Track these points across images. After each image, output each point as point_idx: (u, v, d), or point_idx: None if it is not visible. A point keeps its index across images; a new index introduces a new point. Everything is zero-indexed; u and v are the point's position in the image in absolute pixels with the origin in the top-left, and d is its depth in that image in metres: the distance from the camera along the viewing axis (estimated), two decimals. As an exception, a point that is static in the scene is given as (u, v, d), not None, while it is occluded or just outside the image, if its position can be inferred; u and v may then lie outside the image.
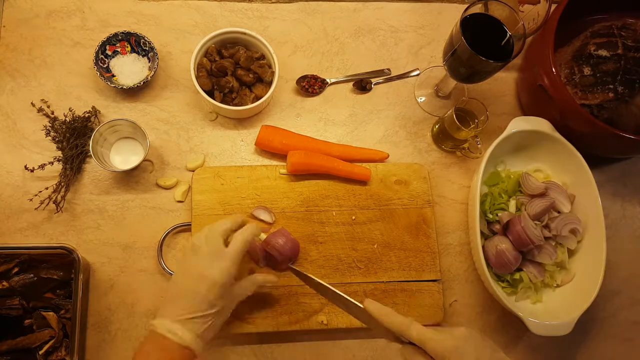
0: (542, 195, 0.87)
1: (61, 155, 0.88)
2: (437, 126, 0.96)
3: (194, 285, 0.68)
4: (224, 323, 0.72)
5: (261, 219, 0.86)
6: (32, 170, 0.86)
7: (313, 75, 0.98)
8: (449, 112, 0.90)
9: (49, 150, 0.89)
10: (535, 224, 0.85)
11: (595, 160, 0.89)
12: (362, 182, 0.91)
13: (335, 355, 0.86)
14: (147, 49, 0.93)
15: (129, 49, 0.94)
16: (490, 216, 0.88)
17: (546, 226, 0.87)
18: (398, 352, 0.64)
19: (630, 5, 0.97)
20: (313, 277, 0.75)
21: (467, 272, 0.92)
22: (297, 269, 0.78)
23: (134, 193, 0.90)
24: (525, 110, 1.00)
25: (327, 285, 0.72)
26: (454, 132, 0.90)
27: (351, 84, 0.99)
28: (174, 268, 0.73)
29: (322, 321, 0.84)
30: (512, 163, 0.94)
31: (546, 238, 0.86)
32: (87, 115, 0.90)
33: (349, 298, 0.69)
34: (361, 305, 0.66)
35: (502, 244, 0.84)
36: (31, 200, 0.86)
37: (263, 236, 0.82)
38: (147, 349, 0.66)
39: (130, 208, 0.89)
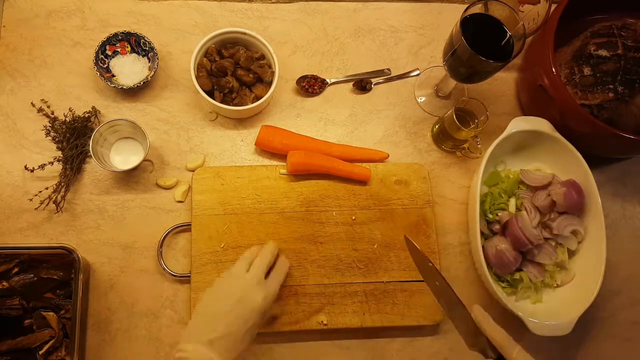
0: (547, 186, 0.88)
1: (61, 155, 0.88)
2: (437, 126, 0.96)
3: (232, 307, 0.68)
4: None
5: None
6: (32, 170, 0.86)
7: (313, 75, 0.98)
8: (449, 112, 0.90)
9: (49, 150, 0.89)
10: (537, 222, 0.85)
11: (595, 160, 0.88)
12: (362, 182, 0.91)
13: (335, 355, 0.86)
14: (147, 49, 0.93)
15: (129, 49, 0.94)
16: (490, 216, 0.88)
17: (547, 226, 0.87)
18: None
19: (630, 5, 0.97)
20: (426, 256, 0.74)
21: (467, 272, 0.92)
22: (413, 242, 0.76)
23: (134, 193, 0.90)
24: (525, 110, 1.00)
25: (438, 272, 0.72)
26: (454, 132, 0.90)
27: (351, 84, 0.99)
28: (203, 293, 0.72)
29: (322, 321, 0.84)
30: (512, 163, 0.94)
31: (546, 238, 0.86)
32: (87, 115, 0.90)
33: (454, 292, 0.70)
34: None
35: (501, 244, 0.84)
36: (31, 200, 0.86)
37: None
38: None
39: (130, 208, 0.89)
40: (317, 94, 0.98)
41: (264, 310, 0.71)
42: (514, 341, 0.63)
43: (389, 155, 0.94)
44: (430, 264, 0.72)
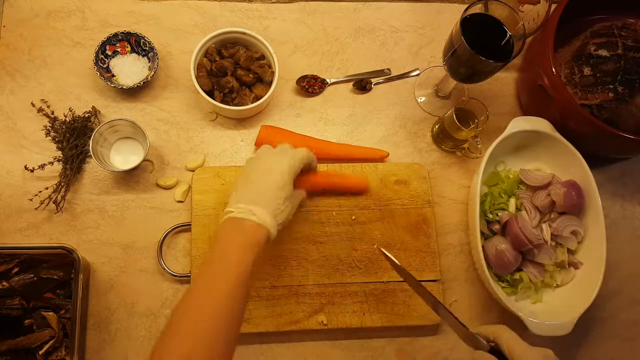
0: (547, 186, 0.88)
1: (61, 155, 0.88)
2: (437, 126, 0.96)
3: (265, 174, 0.72)
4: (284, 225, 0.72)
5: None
6: (32, 170, 0.86)
7: (313, 75, 0.98)
8: (449, 112, 0.90)
9: (49, 150, 0.89)
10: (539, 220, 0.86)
11: (595, 160, 0.88)
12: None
13: (335, 355, 0.86)
14: (147, 49, 0.93)
15: (129, 49, 0.94)
16: (490, 216, 0.88)
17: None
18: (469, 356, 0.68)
19: (630, 5, 0.97)
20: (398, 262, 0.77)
21: (467, 272, 0.92)
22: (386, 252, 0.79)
23: (134, 193, 0.90)
24: (525, 110, 1.00)
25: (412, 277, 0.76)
26: (454, 132, 0.90)
27: (351, 84, 0.99)
28: (243, 169, 0.77)
29: (322, 321, 0.84)
30: (512, 163, 0.94)
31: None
32: (87, 115, 0.90)
33: (431, 294, 0.75)
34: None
35: (501, 244, 0.84)
36: (31, 200, 0.86)
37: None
38: (224, 232, 0.67)
39: (130, 208, 0.89)
40: (317, 94, 0.98)
41: (292, 173, 0.73)
42: (503, 325, 0.67)
43: (389, 154, 0.94)
44: (407, 272, 0.76)
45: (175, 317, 0.61)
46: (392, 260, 0.77)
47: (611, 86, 0.86)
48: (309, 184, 0.84)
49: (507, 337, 0.65)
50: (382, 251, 0.78)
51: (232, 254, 0.65)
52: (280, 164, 0.72)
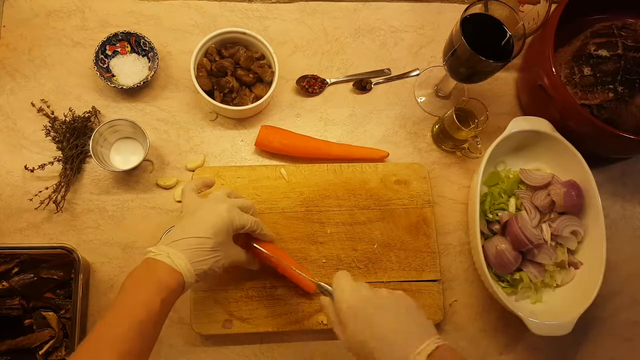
0: (547, 186, 0.88)
1: (61, 155, 0.89)
2: (437, 126, 0.96)
3: (197, 219, 0.70)
4: (216, 275, 0.72)
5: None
6: (32, 170, 0.86)
7: (313, 75, 0.98)
8: (449, 112, 0.90)
9: (49, 150, 0.90)
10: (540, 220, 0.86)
11: (595, 160, 0.88)
12: (363, 182, 0.91)
13: (335, 355, 0.86)
14: (147, 49, 0.93)
15: (129, 49, 0.94)
16: (490, 216, 0.88)
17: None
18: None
19: (630, 5, 0.97)
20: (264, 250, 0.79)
21: (467, 272, 0.92)
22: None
23: (134, 193, 0.90)
24: (525, 110, 1.00)
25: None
26: (454, 132, 0.90)
27: (351, 84, 0.99)
28: (187, 205, 0.75)
29: (322, 321, 0.84)
30: (512, 163, 0.94)
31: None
32: (87, 115, 0.90)
33: (296, 270, 0.79)
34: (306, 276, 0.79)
35: (501, 244, 0.84)
36: (31, 200, 0.86)
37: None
38: (137, 271, 0.65)
39: (130, 208, 0.89)
40: (317, 93, 0.98)
41: (229, 222, 0.70)
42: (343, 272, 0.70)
43: (389, 154, 0.94)
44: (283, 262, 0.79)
45: (81, 346, 0.60)
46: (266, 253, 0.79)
47: (611, 86, 0.86)
48: (257, 251, 0.80)
49: (335, 284, 0.68)
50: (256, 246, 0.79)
51: (139, 295, 0.62)
52: (217, 214, 0.70)
